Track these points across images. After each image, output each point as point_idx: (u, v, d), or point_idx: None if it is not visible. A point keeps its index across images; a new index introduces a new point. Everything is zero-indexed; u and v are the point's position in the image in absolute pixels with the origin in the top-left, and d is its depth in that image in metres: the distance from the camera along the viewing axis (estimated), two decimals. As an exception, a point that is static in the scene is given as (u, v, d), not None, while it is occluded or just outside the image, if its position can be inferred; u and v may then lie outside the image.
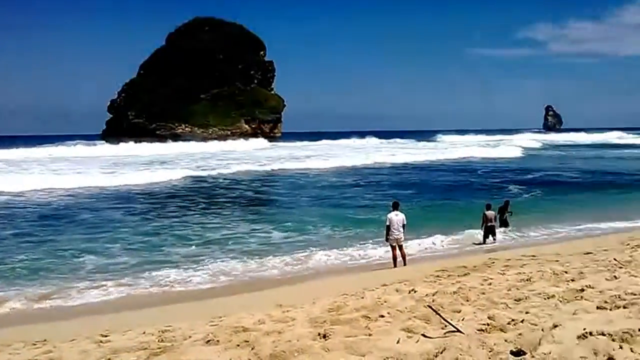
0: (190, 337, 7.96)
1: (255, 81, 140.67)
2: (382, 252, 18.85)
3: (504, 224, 22.71)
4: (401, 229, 17.47)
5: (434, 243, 20.79)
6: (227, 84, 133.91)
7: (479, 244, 20.91)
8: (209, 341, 7.42)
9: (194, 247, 20.33)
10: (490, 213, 21.24)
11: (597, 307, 6.84)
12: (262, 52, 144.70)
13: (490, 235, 21.13)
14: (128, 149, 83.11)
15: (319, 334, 6.85)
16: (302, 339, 6.64)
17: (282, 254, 19.22)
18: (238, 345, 6.97)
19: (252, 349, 6.56)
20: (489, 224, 21.15)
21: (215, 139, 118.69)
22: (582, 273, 10.07)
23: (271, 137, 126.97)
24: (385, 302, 9.19)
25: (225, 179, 45.08)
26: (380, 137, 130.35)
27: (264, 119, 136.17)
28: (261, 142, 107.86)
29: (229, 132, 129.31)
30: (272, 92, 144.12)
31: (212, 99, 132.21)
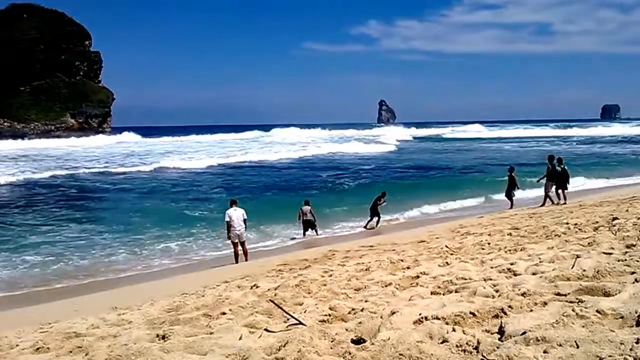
0: (17, 345, 7.32)
1: (81, 73, 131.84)
2: (223, 248, 18.74)
3: (376, 213, 23.53)
4: (242, 224, 17.35)
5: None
6: (50, 76, 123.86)
7: (301, 236, 21.79)
8: (38, 349, 6.86)
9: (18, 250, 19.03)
10: (306, 208, 22.13)
11: (431, 293, 7.09)
12: (87, 42, 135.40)
13: (310, 229, 21.99)
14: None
15: (158, 336, 6.55)
16: (139, 342, 6.30)
17: (116, 254, 18.60)
18: (70, 352, 6.50)
19: (86, 354, 6.15)
20: (306, 218, 21.96)
21: (39, 134, 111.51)
22: (417, 261, 10.47)
23: (100, 132, 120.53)
24: (226, 299, 9.01)
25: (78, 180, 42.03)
26: (227, 132, 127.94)
27: (91, 113, 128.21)
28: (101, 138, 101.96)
29: (53, 127, 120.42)
30: (100, 84, 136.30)
31: (33, 92, 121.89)
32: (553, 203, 22.53)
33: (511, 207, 23.90)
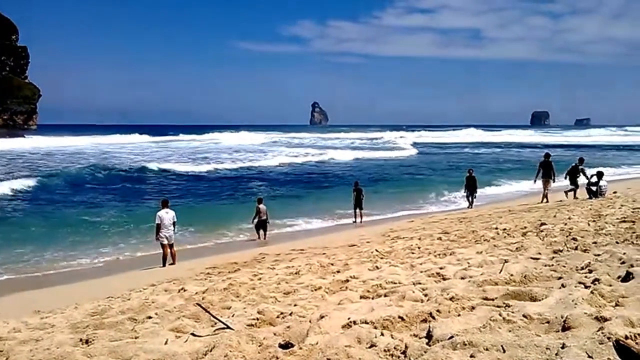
0: None
1: (7, 68, 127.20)
2: (151, 250, 18.35)
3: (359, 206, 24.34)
4: (172, 227, 17.15)
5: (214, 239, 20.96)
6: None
7: (254, 239, 21.20)
8: (-45, 354, 6.55)
9: None
10: (262, 207, 21.39)
11: (361, 297, 7.07)
12: (13, 37, 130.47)
13: (262, 229, 21.34)
14: None
15: (81, 340, 6.35)
16: (62, 346, 6.10)
17: (41, 255, 17.92)
18: (-10, 356, 6.24)
19: (7, 359, 5.92)
20: (261, 218, 21.34)
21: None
22: (347, 264, 10.48)
23: (25, 130, 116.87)
24: (153, 302, 8.81)
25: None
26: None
27: (16, 109, 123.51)
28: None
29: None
30: (27, 80, 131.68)
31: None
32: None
33: (470, 207, 25.08)
